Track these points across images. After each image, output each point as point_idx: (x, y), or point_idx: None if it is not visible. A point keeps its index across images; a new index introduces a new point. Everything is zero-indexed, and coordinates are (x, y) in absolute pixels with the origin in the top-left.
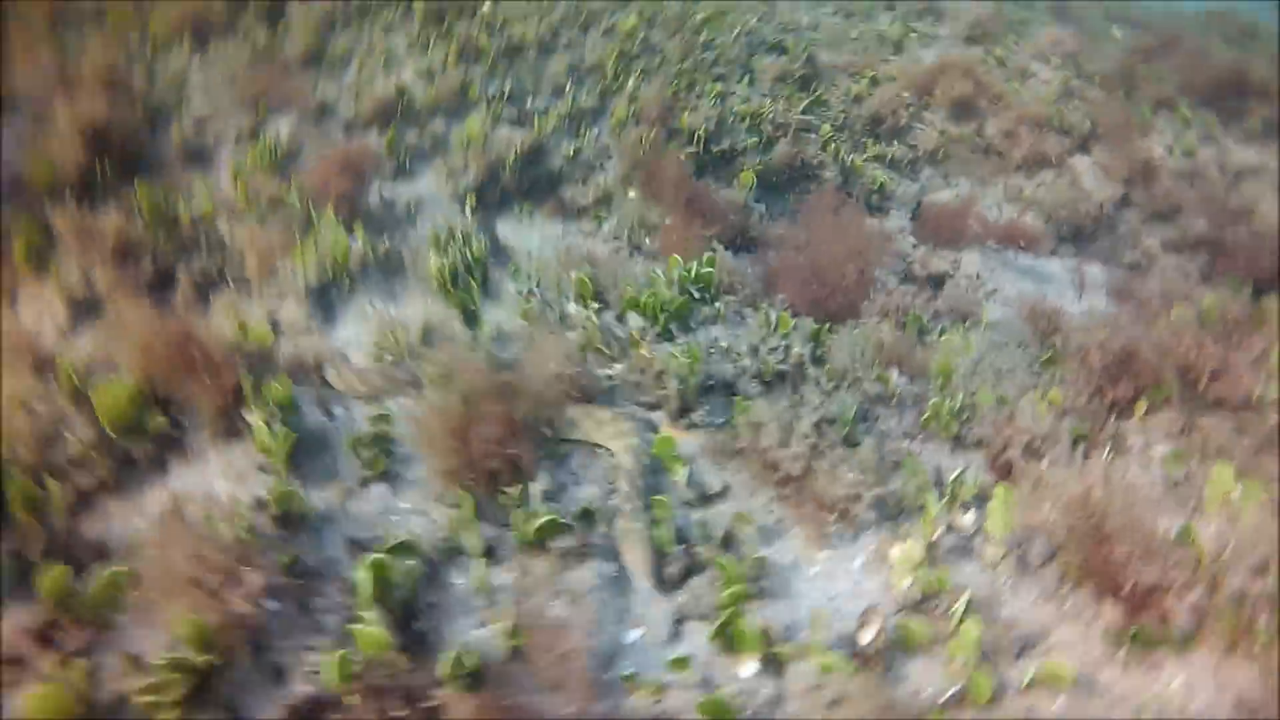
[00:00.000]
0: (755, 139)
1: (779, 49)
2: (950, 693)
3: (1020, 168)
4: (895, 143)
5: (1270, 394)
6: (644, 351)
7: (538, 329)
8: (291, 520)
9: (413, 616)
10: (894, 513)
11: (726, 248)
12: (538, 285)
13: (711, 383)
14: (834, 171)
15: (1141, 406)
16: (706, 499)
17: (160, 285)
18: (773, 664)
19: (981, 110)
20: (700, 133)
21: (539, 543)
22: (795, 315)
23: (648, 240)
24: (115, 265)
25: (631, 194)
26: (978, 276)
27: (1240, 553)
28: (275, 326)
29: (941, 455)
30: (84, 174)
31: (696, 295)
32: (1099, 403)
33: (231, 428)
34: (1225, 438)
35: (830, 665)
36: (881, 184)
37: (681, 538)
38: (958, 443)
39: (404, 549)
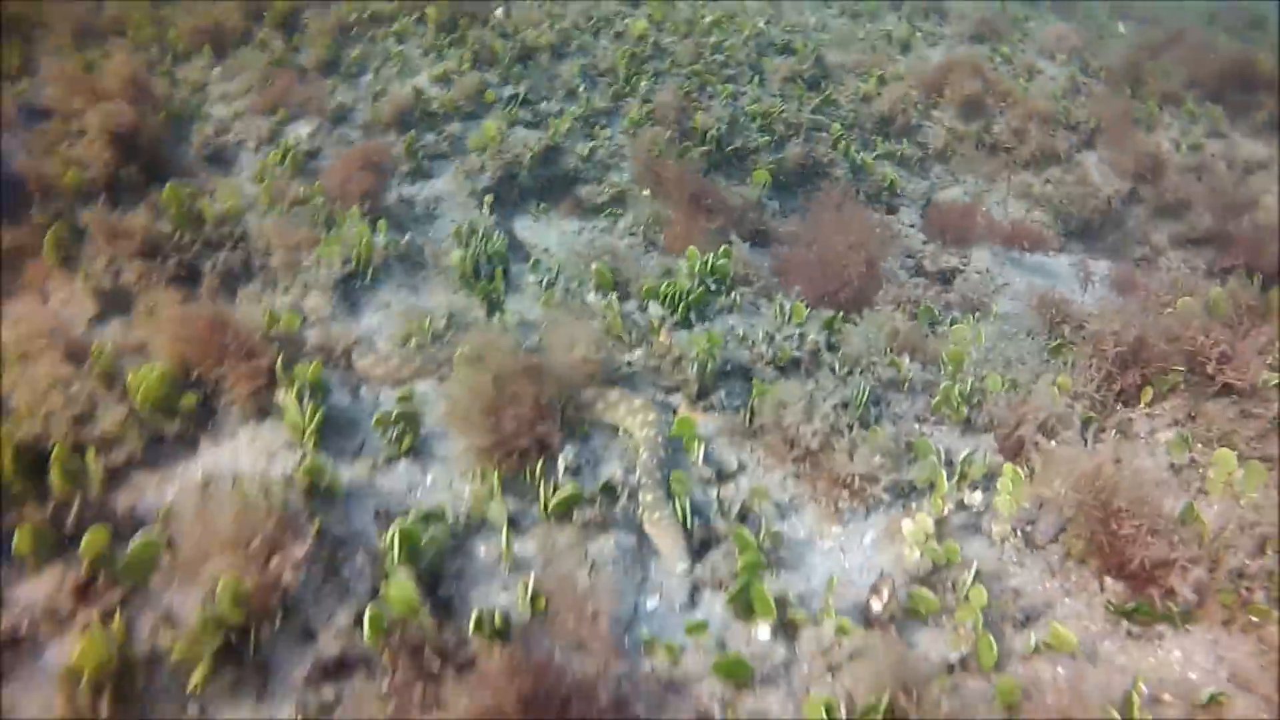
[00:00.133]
0: (767, 138)
1: (787, 50)
2: (956, 657)
3: (1029, 164)
4: (904, 141)
5: (1273, 380)
6: (662, 338)
7: (561, 315)
8: (320, 493)
9: (438, 583)
10: (905, 491)
11: (743, 241)
12: (557, 276)
13: (728, 368)
14: (844, 169)
15: (1148, 394)
16: (723, 477)
17: (186, 280)
18: (787, 629)
19: (989, 108)
20: (713, 132)
21: (562, 514)
22: (809, 307)
23: (662, 236)
24: (142, 260)
25: (645, 192)
26: (987, 271)
27: (1240, 532)
28: (302, 315)
29: (952, 438)
30: (111, 176)
31: (713, 287)
32: (1107, 390)
33: (261, 408)
34: (1229, 424)
35: (844, 627)
36: (891, 182)
37: (699, 512)
38: (968, 426)
39: (431, 518)
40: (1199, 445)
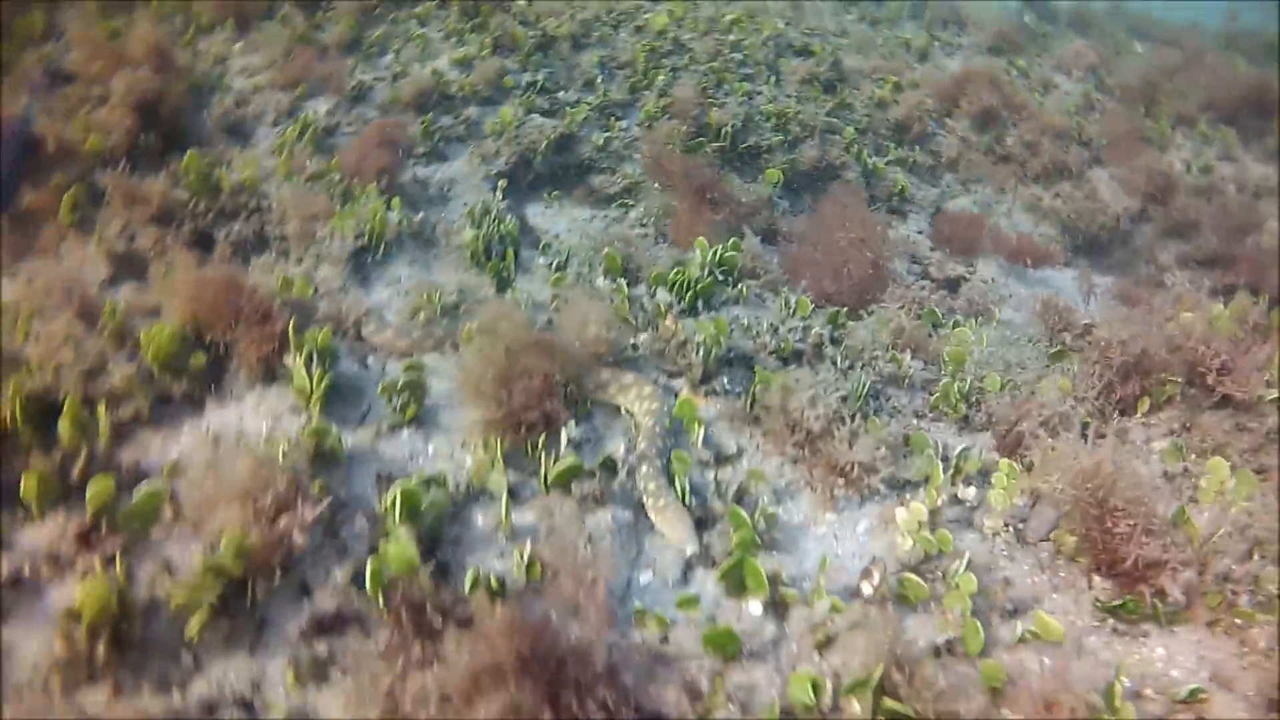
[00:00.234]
0: (780, 138)
1: (805, 52)
2: (943, 640)
3: (1039, 177)
4: (917, 148)
5: (1269, 395)
6: (668, 323)
7: (574, 294)
8: (323, 457)
9: (435, 547)
10: (900, 483)
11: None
12: (568, 260)
13: (731, 356)
14: (856, 173)
15: (1145, 404)
16: (722, 460)
17: (199, 247)
18: (778, 608)
19: (1003, 119)
20: (727, 129)
21: (561, 486)
22: (814, 303)
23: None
24: (157, 226)
25: (656, 184)
26: (992, 281)
27: (1229, 537)
28: (314, 285)
29: (949, 435)
30: (132, 143)
31: (720, 278)
32: (1106, 399)
33: (269, 372)
34: (1224, 436)
35: (837, 606)
36: (902, 188)
37: (696, 492)
38: (965, 424)
39: (432, 482)
40: (1193, 455)
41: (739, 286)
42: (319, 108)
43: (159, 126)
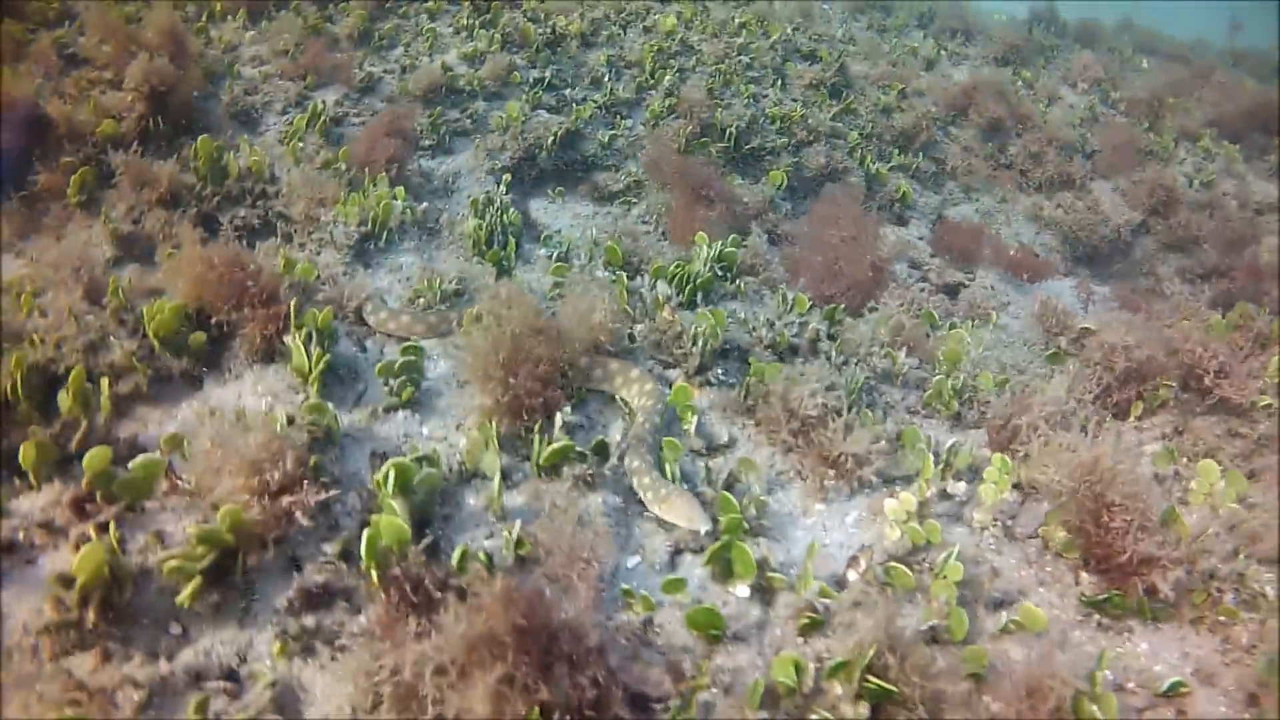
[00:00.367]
0: (785, 140)
1: (812, 57)
2: (928, 627)
3: (1042, 188)
4: (920, 155)
5: (1261, 402)
6: (666, 314)
7: (576, 283)
8: (319, 435)
9: (427, 524)
10: (890, 477)
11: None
12: (569, 251)
13: (728, 348)
14: (859, 177)
15: (1138, 408)
16: (714, 448)
17: (205, 228)
18: (764, 593)
19: (1007, 129)
20: (732, 130)
21: (553, 468)
22: (812, 301)
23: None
24: (164, 209)
25: (656, 182)
26: (991, 288)
27: (1216, 537)
28: (317, 268)
29: (941, 431)
30: (143, 127)
31: (720, 273)
32: (1103, 404)
33: (269, 351)
34: (1216, 440)
35: (825, 592)
36: (904, 194)
37: (687, 479)
38: (957, 421)
39: (425, 460)
40: (1184, 460)
41: (738, 282)
42: (328, 98)
43: (170, 112)
